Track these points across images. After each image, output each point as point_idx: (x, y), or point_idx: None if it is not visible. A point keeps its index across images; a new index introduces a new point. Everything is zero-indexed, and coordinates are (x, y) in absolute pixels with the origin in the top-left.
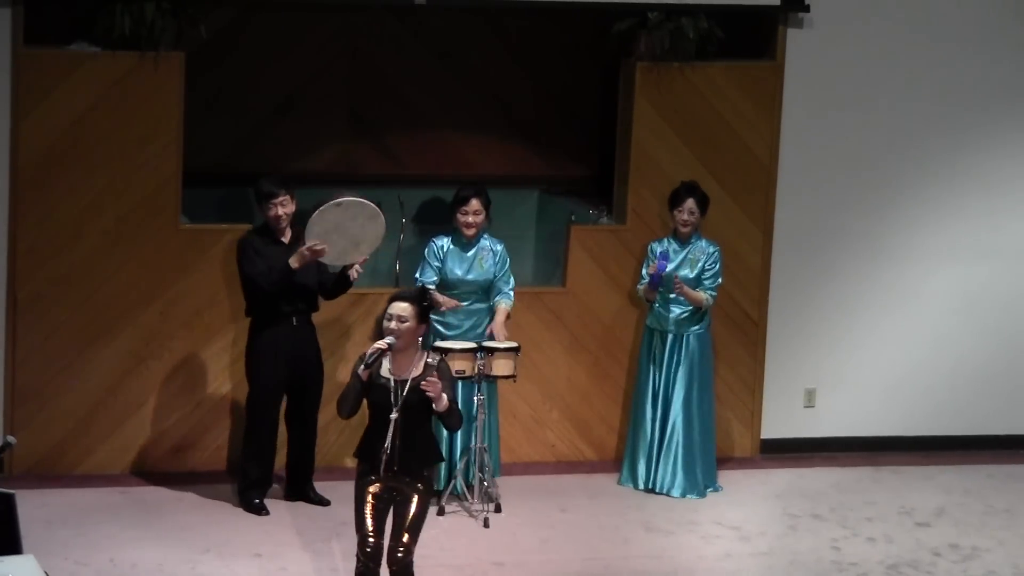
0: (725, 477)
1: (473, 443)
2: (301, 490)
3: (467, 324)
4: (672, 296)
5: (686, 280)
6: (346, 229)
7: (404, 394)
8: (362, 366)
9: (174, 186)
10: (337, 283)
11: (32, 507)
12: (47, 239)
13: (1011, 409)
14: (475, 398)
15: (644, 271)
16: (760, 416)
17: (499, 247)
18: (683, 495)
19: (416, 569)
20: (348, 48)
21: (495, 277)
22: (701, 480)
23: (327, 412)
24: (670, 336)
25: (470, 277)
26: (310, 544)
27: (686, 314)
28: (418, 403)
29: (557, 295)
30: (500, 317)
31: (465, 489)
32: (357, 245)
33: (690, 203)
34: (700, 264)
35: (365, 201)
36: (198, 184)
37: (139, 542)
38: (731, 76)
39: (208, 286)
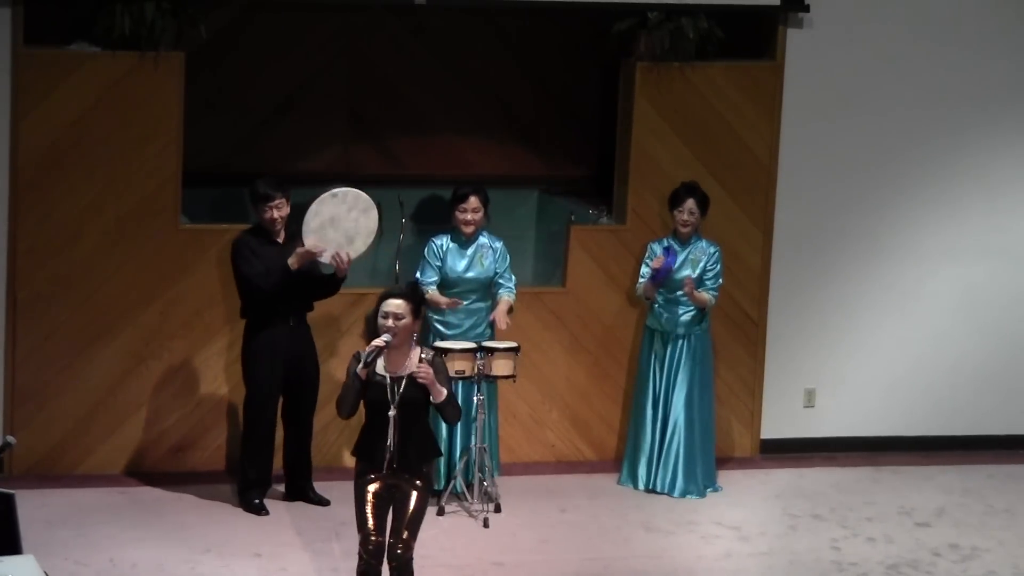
0: (725, 477)
1: (473, 443)
2: (300, 490)
3: (467, 324)
4: (673, 296)
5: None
6: (340, 223)
7: (400, 391)
8: (360, 365)
9: (174, 186)
10: (326, 284)
11: (32, 507)
12: (47, 239)
13: (1011, 409)
14: (475, 398)
15: (644, 268)
16: (760, 416)
17: (498, 244)
18: (683, 495)
19: (416, 569)
20: (348, 48)
21: (496, 274)
22: (701, 480)
23: (327, 412)
24: (671, 337)
25: (470, 275)
26: (310, 544)
27: (688, 315)
28: (415, 399)
29: (557, 295)
30: (503, 306)
31: (465, 489)
32: (351, 241)
33: (690, 203)
34: (702, 264)
35: (360, 192)
36: (198, 184)
37: (139, 542)
38: (731, 76)
39: (208, 286)
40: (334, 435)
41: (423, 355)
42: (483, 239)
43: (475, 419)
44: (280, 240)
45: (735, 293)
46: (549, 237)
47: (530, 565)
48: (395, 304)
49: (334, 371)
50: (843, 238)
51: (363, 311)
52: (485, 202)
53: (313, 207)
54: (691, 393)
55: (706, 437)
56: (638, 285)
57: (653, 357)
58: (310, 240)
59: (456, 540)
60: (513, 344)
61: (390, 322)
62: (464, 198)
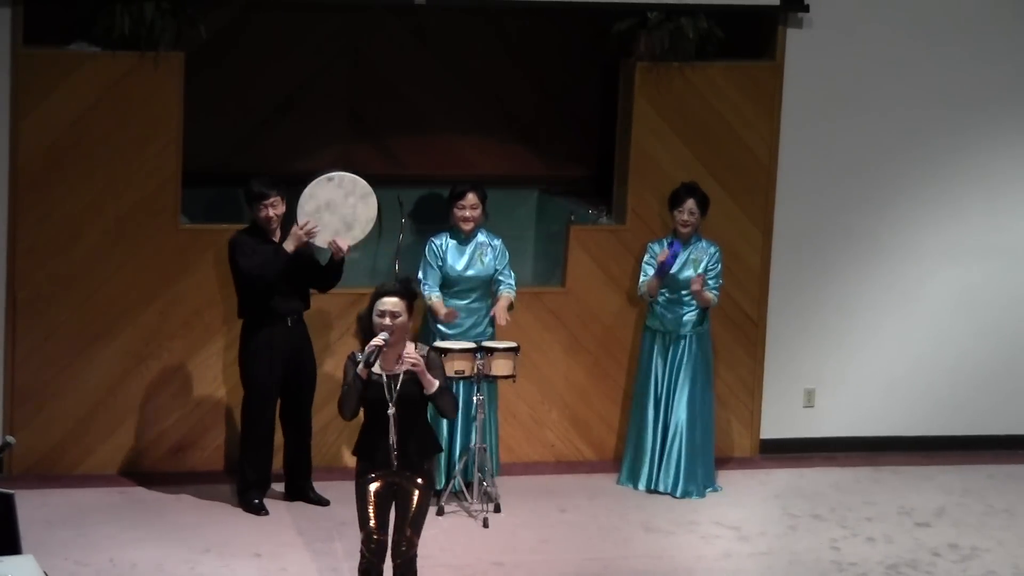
0: (725, 477)
1: (473, 443)
2: (300, 490)
3: (468, 323)
4: (675, 296)
5: (689, 281)
6: (337, 208)
7: (398, 388)
8: (361, 365)
9: (174, 186)
10: (328, 271)
11: (32, 507)
12: (47, 239)
13: (1011, 409)
14: (474, 398)
15: (645, 266)
16: (760, 416)
17: (497, 242)
18: (684, 495)
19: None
20: (348, 48)
21: (496, 272)
22: (701, 480)
23: (326, 412)
24: (673, 337)
25: (470, 272)
26: (310, 544)
27: (690, 315)
28: (413, 396)
29: (557, 295)
30: (503, 303)
31: (464, 488)
32: (349, 228)
33: (690, 203)
34: (703, 264)
35: (357, 177)
36: (198, 184)
37: (139, 542)
38: (731, 76)
39: (208, 286)
40: (334, 435)
41: (418, 351)
42: (482, 237)
43: (475, 419)
44: (276, 239)
45: (735, 293)
46: (549, 237)
47: (530, 565)
48: (391, 302)
49: (332, 371)
50: (843, 238)
51: (361, 311)
52: (483, 199)
53: (308, 190)
54: (693, 393)
55: (706, 437)
56: (641, 284)
57: (655, 358)
58: (304, 218)
59: (456, 540)
60: (513, 344)
61: (387, 320)
62: (462, 195)
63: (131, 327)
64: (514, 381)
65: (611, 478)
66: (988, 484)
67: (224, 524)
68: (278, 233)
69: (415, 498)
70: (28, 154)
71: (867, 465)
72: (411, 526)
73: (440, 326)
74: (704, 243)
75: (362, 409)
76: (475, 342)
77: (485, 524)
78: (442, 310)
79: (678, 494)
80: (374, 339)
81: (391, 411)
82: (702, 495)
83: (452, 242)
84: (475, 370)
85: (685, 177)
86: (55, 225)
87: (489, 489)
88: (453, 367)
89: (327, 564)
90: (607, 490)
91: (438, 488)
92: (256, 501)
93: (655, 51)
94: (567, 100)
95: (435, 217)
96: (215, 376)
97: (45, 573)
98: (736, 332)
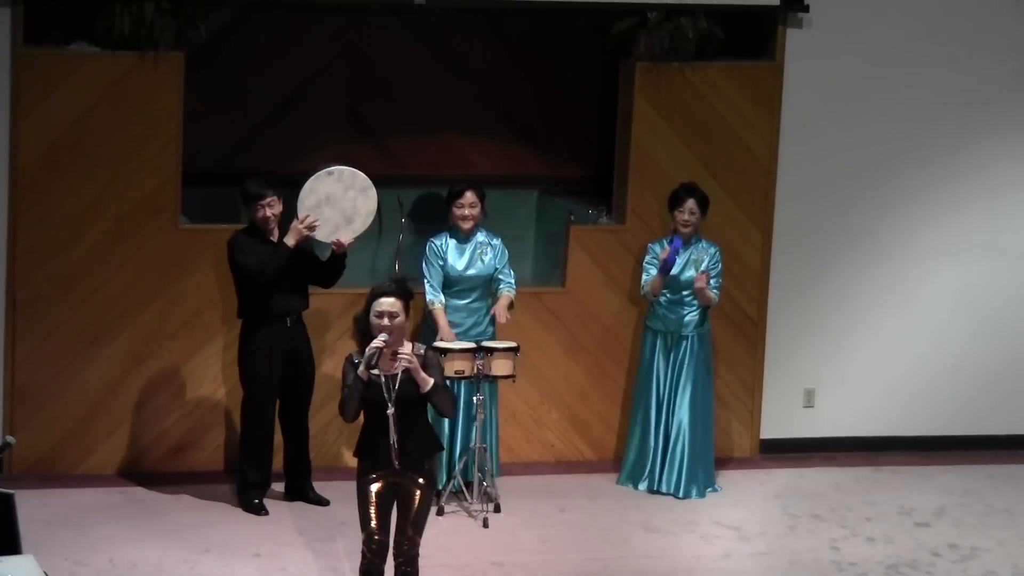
0: (725, 477)
1: (473, 443)
2: (300, 490)
3: (468, 323)
4: (677, 297)
5: (690, 281)
6: (337, 202)
7: (396, 388)
8: (362, 367)
9: (174, 186)
10: (330, 266)
11: (32, 507)
12: (47, 239)
13: (1011, 409)
14: (474, 398)
15: (646, 266)
16: (760, 416)
17: (496, 241)
18: (686, 496)
19: None
20: (348, 48)
21: (496, 271)
22: (702, 481)
23: (326, 412)
24: (675, 338)
25: (471, 272)
26: (310, 544)
27: (692, 315)
28: (411, 395)
29: (556, 295)
30: (503, 301)
31: (464, 488)
32: (349, 221)
33: (690, 203)
34: (704, 264)
35: (357, 171)
36: (197, 184)
37: (139, 542)
38: (731, 76)
39: (207, 286)
40: (333, 435)
41: (415, 350)
42: (481, 236)
43: (475, 419)
44: (274, 239)
45: (735, 293)
46: (549, 237)
47: (530, 565)
48: (389, 302)
49: (331, 371)
50: (843, 238)
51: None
52: (481, 197)
53: (308, 185)
54: (695, 394)
55: (707, 438)
56: (644, 284)
57: (657, 358)
58: (304, 212)
59: (456, 540)
60: (513, 344)
61: (385, 321)
62: (460, 194)
63: (131, 327)
64: (514, 381)
65: (611, 478)
66: (988, 484)
67: (224, 524)
68: (276, 233)
69: (416, 498)
70: (28, 154)
71: (867, 465)
72: (412, 526)
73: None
74: (704, 243)
75: (363, 410)
76: (475, 342)
77: (485, 524)
78: (443, 322)
79: (681, 495)
80: (374, 341)
81: (390, 411)
82: (702, 495)
83: (452, 242)
84: (475, 370)
85: (685, 177)
86: (55, 225)
87: (489, 489)
88: (453, 367)
89: (327, 564)
90: (607, 490)
91: (438, 488)
92: (256, 501)
93: (655, 51)
94: (567, 100)
95: (435, 217)
96: (215, 376)
97: (45, 573)
98: (736, 332)
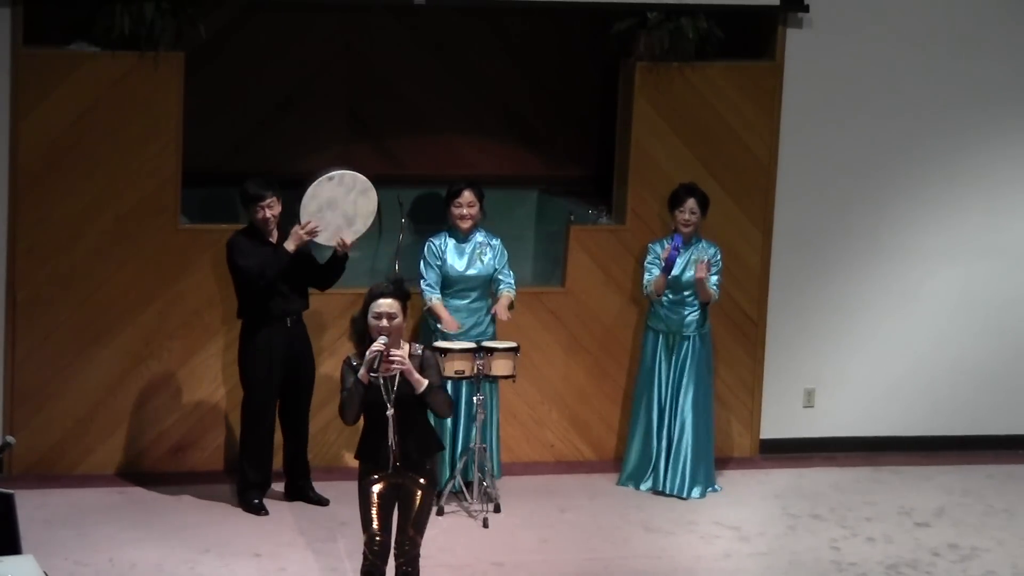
0: (725, 477)
1: (473, 443)
2: (300, 490)
3: (468, 323)
4: (678, 297)
5: (691, 281)
6: (338, 205)
7: (395, 389)
8: (363, 370)
9: (174, 186)
10: (330, 268)
11: (32, 507)
12: (47, 239)
13: (1011, 409)
14: (475, 398)
15: (648, 266)
16: (759, 416)
17: (496, 241)
18: (690, 496)
19: None
20: (348, 48)
21: (495, 271)
22: (703, 481)
23: (326, 412)
24: (677, 338)
25: (471, 272)
26: (310, 544)
27: (692, 315)
28: (410, 396)
29: (556, 295)
30: (504, 301)
31: (464, 488)
32: (351, 223)
33: (691, 203)
34: (704, 263)
35: (357, 174)
36: (197, 184)
37: (138, 542)
38: (730, 76)
39: (207, 286)
40: (333, 435)
41: (414, 351)
42: (480, 237)
43: (475, 419)
44: (274, 240)
45: (735, 293)
46: (548, 237)
47: (530, 565)
48: (387, 304)
49: (331, 371)
50: (843, 238)
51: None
52: (480, 197)
53: (310, 190)
54: (698, 394)
55: (708, 437)
56: (647, 283)
57: (659, 358)
58: (306, 219)
59: (456, 540)
60: (513, 344)
61: (384, 322)
62: (458, 193)
63: (131, 327)
64: (514, 381)
65: (611, 478)
66: (988, 484)
67: (224, 524)
68: (275, 234)
69: (418, 498)
70: (28, 154)
71: (867, 465)
72: (414, 526)
73: (441, 326)
74: (704, 243)
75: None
76: (475, 342)
77: (485, 524)
78: (443, 313)
79: (686, 495)
80: (374, 344)
81: (390, 412)
82: (703, 495)
83: (451, 242)
84: (475, 370)
85: (685, 177)
86: (55, 225)
87: (489, 489)
88: (453, 367)
89: (327, 564)
90: (607, 490)
91: (439, 488)
92: (256, 501)
93: (655, 51)
94: (567, 100)
95: (434, 217)
96: (215, 376)
97: (45, 573)
98: (736, 332)
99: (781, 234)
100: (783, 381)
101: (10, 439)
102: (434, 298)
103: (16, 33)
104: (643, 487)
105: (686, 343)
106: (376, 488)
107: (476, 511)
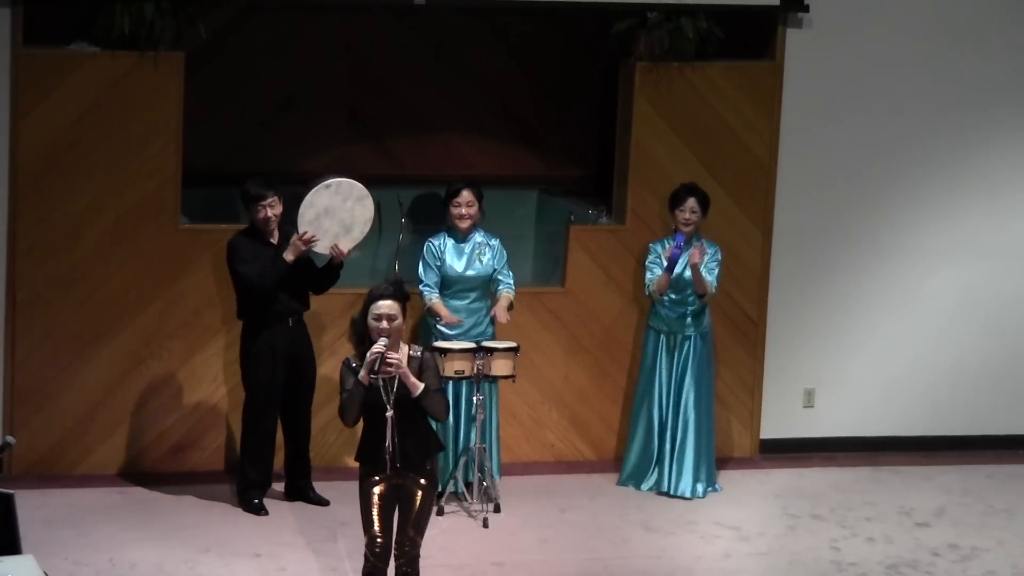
0: (725, 477)
1: (473, 443)
2: (300, 490)
3: (468, 323)
4: (680, 297)
5: (691, 280)
6: (335, 212)
7: (394, 390)
8: (363, 372)
9: (174, 186)
10: (326, 274)
11: (31, 507)
12: (47, 239)
13: (1011, 409)
14: (474, 398)
15: (650, 265)
16: (759, 416)
17: (495, 242)
18: (693, 496)
19: None
20: (348, 48)
21: (494, 271)
22: (704, 480)
23: (326, 413)
24: (678, 338)
25: (470, 272)
26: (310, 544)
27: (693, 314)
28: (410, 397)
29: (556, 295)
30: (503, 301)
31: (464, 488)
32: (348, 230)
33: (691, 202)
34: (704, 260)
35: (354, 181)
36: (197, 184)
37: (138, 542)
38: (730, 76)
39: (207, 286)
40: (333, 435)
41: (413, 352)
42: (479, 236)
43: (475, 419)
44: (274, 240)
45: (735, 293)
46: (548, 237)
47: (530, 565)
48: (387, 305)
49: (331, 372)
50: (843, 238)
51: (354, 315)
52: (479, 196)
53: (307, 198)
54: (699, 394)
55: (709, 437)
56: (649, 283)
57: (660, 358)
58: (304, 227)
59: (456, 540)
60: (512, 344)
61: (384, 324)
62: (457, 192)
63: (130, 327)
64: (514, 381)
65: (611, 478)
66: (988, 484)
67: (224, 524)
68: (276, 234)
69: (418, 498)
70: (28, 154)
71: (867, 465)
72: (414, 526)
73: (441, 327)
74: (704, 243)
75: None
76: (475, 342)
77: (485, 524)
78: (443, 311)
79: (689, 495)
80: (375, 346)
81: (389, 413)
82: (703, 495)
83: (450, 242)
84: (475, 370)
85: (685, 177)
86: (55, 225)
87: (489, 489)
88: (453, 367)
89: (327, 564)
90: (607, 490)
91: (439, 488)
92: (256, 501)
93: (655, 51)
94: (567, 100)
95: (434, 217)
96: (215, 376)
97: (45, 573)
98: (736, 332)
99: (781, 234)
100: (783, 381)
101: (10, 439)
102: (433, 297)
103: (16, 33)
104: (644, 487)
105: (687, 343)
106: (377, 490)
107: (476, 511)
